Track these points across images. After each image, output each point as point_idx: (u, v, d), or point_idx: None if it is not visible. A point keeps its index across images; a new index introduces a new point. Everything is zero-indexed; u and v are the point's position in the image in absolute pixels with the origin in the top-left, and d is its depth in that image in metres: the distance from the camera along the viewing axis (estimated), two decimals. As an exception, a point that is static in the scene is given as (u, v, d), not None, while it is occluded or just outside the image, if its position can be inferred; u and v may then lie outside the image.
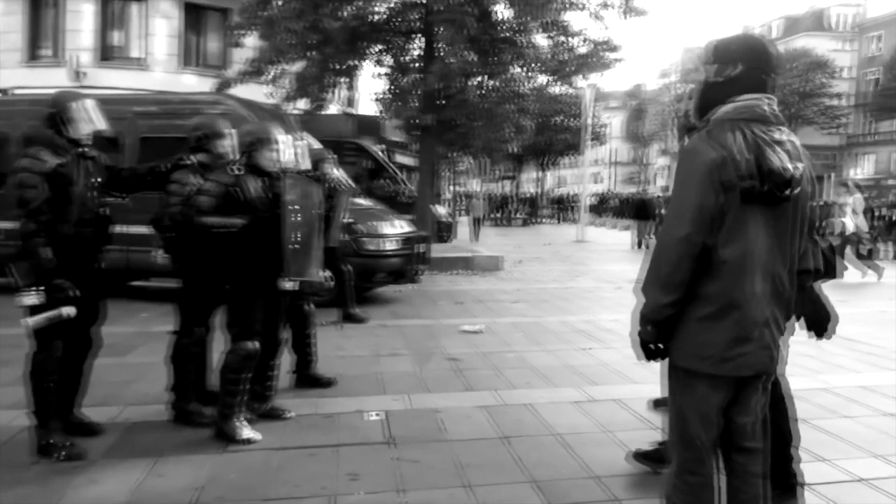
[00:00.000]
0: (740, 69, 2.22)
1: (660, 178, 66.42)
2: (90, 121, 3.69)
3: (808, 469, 3.51)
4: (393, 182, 15.95)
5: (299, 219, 3.85)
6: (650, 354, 2.30)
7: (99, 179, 3.76)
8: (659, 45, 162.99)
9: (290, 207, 3.80)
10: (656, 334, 2.23)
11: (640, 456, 3.53)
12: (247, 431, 3.84)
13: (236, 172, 3.87)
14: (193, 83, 18.16)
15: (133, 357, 5.82)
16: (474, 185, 64.05)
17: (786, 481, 2.98)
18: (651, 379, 4.68)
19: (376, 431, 4.06)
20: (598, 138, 40.52)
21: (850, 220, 12.57)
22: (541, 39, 13.17)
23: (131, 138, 8.59)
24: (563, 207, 41.29)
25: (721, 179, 2.08)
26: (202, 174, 4.13)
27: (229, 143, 4.32)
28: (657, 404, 4.57)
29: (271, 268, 3.86)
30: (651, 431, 4.01)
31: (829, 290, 2.74)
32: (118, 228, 8.29)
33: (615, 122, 60.19)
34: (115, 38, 19.17)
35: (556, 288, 11.06)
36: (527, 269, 13.72)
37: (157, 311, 7.83)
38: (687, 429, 2.26)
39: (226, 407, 3.85)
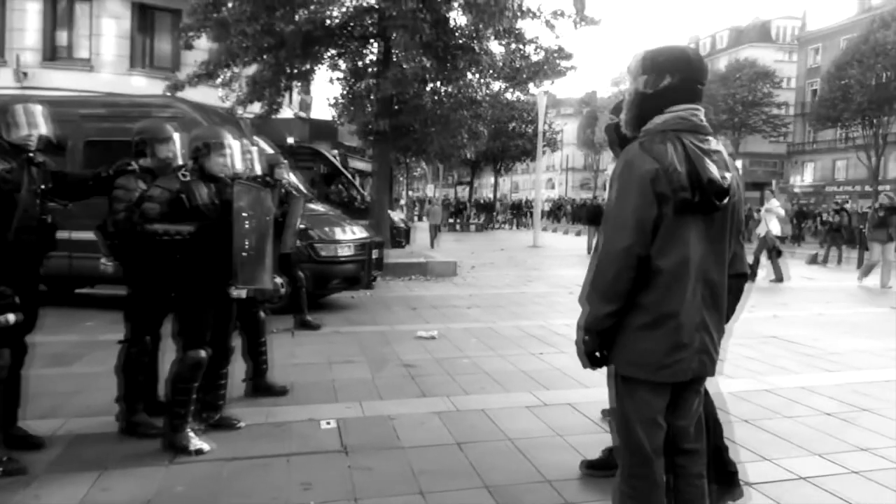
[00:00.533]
0: (672, 80, 2.24)
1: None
2: (36, 126, 3.58)
3: (752, 469, 3.65)
4: (348, 187, 15.87)
5: (250, 226, 3.81)
6: (593, 362, 2.32)
7: (43, 186, 3.65)
8: (611, 53, 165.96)
9: (241, 214, 3.75)
10: (597, 343, 2.26)
11: (589, 466, 3.60)
12: (196, 442, 3.77)
13: (185, 178, 3.80)
14: (143, 85, 17.75)
15: (78, 367, 5.65)
16: (429, 191, 64.24)
17: (725, 473, 3.05)
18: (603, 383, 4.76)
19: (329, 440, 4.03)
20: (552, 144, 41.10)
21: (766, 225, 13.26)
22: (495, 46, 13.29)
23: (77, 142, 8.36)
24: (521, 213, 41.53)
25: (657, 191, 2.11)
26: (147, 179, 4.06)
27: (173, 148, 4.24)
28: (606, 414, 4.67)
29: (221, 275, 3.81)
30: (603, 435, 4.07)
31: (771, 294, 2.83)
32: (62, 234, 8.10)
33: (569, 129, 61.02)
34: (62, 37, 18.61)
35: (511, 293, 11.14)
36: (481, 275, 13.79)
37: (103, 320, 7.61)
38: (631, 434, 2.29)
39: (175, 417, 3.77)
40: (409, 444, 3.97)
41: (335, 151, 17.50)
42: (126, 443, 3.91)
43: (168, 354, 4.18)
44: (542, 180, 26.84)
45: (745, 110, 46.72)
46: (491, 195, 48.59)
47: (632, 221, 2.12)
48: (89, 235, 7.71)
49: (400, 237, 16.81)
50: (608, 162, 71.14)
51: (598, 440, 4.04)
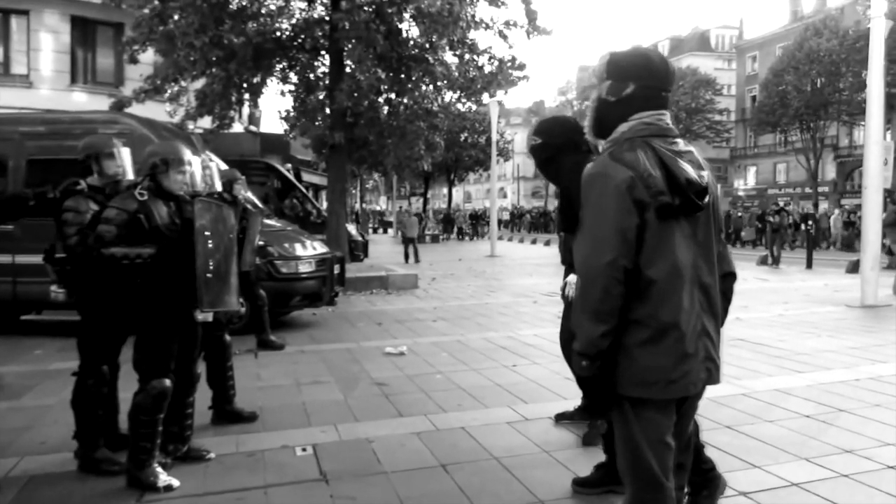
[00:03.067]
0: (636, 86, 2.15)
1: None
2: None
3: (744, 477, 3.59)
4: (303, 201, 15.58)
5: (213, 245, 3.59)
6: (593, 390, 2.19)
7: None
8: (556, 63, 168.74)
9: (203, 233, 3.53)
10: (594, 368, 2.11)
11: (581, 484, 3.49)
12: (164, 478, 3.51)
13: (142, 197, 3.56)
14: (84, 101, 17.11)
15: (28, 399, 5.29)
16: (382, 203, 63.87)
17: (701, 471, 3.00)
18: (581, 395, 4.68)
19: (307, 468, 3.82)
20: (504, 154, 41.34)
21: None
22: (449, 57, 13.23)
23: (17, 160, 7.93)
24: (479, 223, 41.19)
25: (635, 199, 2.02)
26: (97, 199, 3.80)
27: (122, 164, 4.00)
28: (559, 418, 4.58)
29: (183, 298, 3.58)
30: (592, 449, 3.97)
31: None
32: (4, 259, 7.63)
33: (518, 139, 61.62)
34: (-4, 53, 17.87)
35: (475, 304, 11.04)
36: (442, 287, 13.66)
37: (52, 347, 7.22)
38: (640, 460, 2.15)
39: (139, 452, 3.51)
40: (392, 468, 3.79)
41: (288, 165, 17.18)
42: (87, 482, 3.63)
43: (126, 383, 3.94)
44: (496, 189, 26.86)
45: (689, 117, 48.10)
46: (444, 206, 48.56)
47: (612, 233, 2.01)
48: (34, 259, 7.40)
49: (358, 251, 16.57)
50: (558, 170, 72.03)
51: (586, 455, 3.95)
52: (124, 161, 3.95)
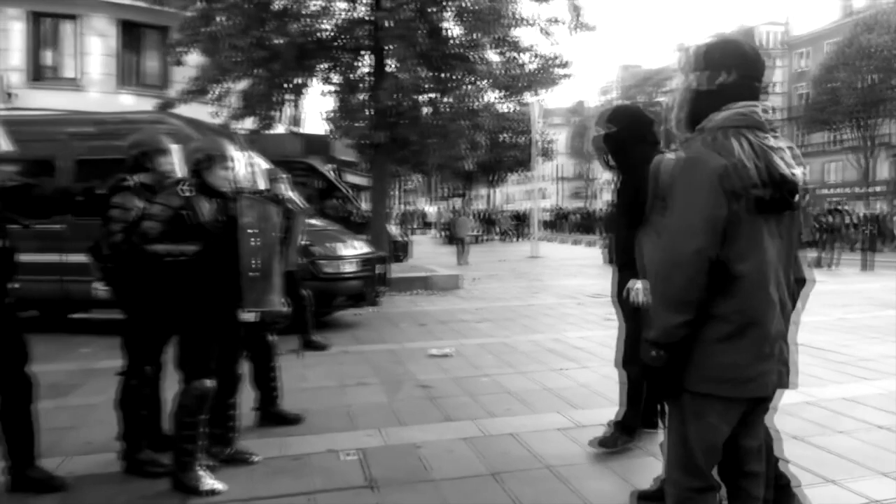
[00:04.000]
0: (731, 76, 2.09)
1: (605, 193, 67.65)
2: None
3: (818, 493, 3.35)
4: (345, 202, 15.55)
5: (258, 243, 3.49)
6: (659, 383, 2.09)
7: None
8: (597, 62, 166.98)
9: (248, 231, 3.44)
10: (666, 359, 2.02)
11: (643, 498, 3.29)
12: (209, 481, 3.42)
13: (186, 193, 3.47)
14: (131, 104, 17.41)
15: (74, 398, 5.29)
16: (421, 204, 64.00)
17: (780, 489, 2.84)
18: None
19: (353, 473, 3.69)
20: (546, 154, 40.92)
21: None
22: (492, 55, 13.05)
23: (65, 161, 8.00)
24: (522, 224, 40.51)
25: (727, 189, 1.95)
26: (145, 196, 3.74)
27: (173, 161, 3.93)
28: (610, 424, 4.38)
29: (227, 298, 3.49)
30: (647, 459, 3.77)
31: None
32: (53, 257, 7.70)
33: (559, 139, 61.09)
34: (47, 57, 18.29)
35: (519, 305, 10.84)
36: (485, 287, 13.48)
37: (99, 346, 7.26)
38: (692, 457, 2.09)
39: (183, 455, 3.42)
40: (441, 475, 3.64)
41: (330, 166, 17.20)
42: (131, 483, 3.56)
43: (169, 383, 3.87)
44: (538, 190, 26.58)
45: (736, 115, 46.86)
46: (483, 207, 48.31)
47: (701, 222, 1.95)
48: (83, 258, 7.47)
49: (399, 251, 16.49)
50: (599, 170, 71.28)
51: (643, 465, 3.75)
52: (178, 160, 3.89)
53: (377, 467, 3.76)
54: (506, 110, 19.58)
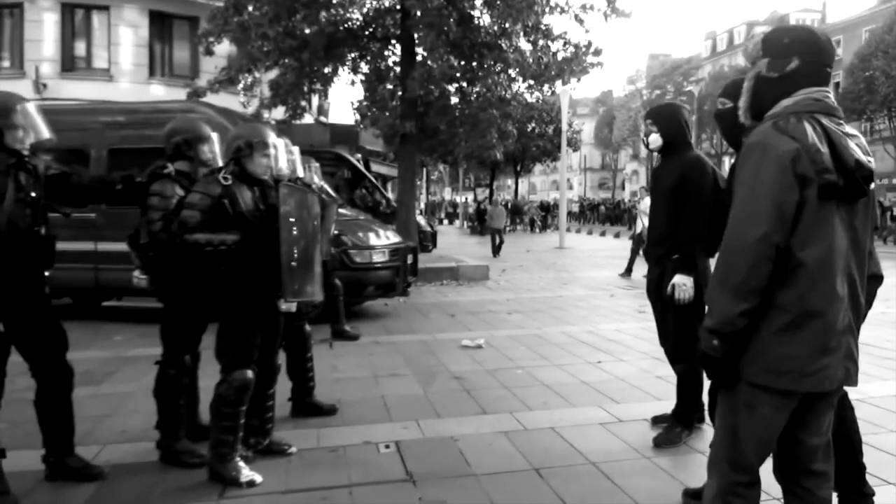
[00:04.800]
0: (798, 63, 2.03)
1: (628, 184, 67.05)
2: (32, 128, 3.17)
3: (879, 494, 3.19)
4: (372, 192, 15.51)
5: (298, 232, 3.43)
6: (717, 372, 2.04)
7: (33, 194, 3.17)
8: (625, 51, 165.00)
9: (288, 220, 3.37)
10: (725, 349, 1.97)
11: (692, 496, 3.18)
12: (247, 473, 3.38)
13: (226, 182, 3.41)
14: (162, 94, 17.54)
15: (108, 386, 5.30)
16: (447, 194, 63.83)
17: (858, 493, 2.83)
18: (672, 394, 4.36)
19: (391, 466, 3.63)
20: (572, 144, 40.49)
21: (645, 222, 13.17)
22: (523, 43, 12.87)
23: (98, 150, 8.04)
24: (550, 214, 40.03)
25: (798, 173, 1.89)
26: (183, 184, 3.69)
27: (214, 148, 3.88)
28: (656, 421, 4.26)
29: (267, 287, 3.44)
30: (695, 455, 3.66)
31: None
32: (87, 246, 7.73)
33: (585, 129, 60.48)
34: (79, 48, 18.45)
35: (548, 297, 10.71)
36: (513, 278, 13.37)
37: (132, 333, 7.31)
38: (741, 450, 2.05)
39: (222, 446, 3.38)
40: (482, 470, 3.55)
41: (358, 156, 17.16)
42: (169, 474, 3.53)
43: (205, 372, 3.84)
44: (565, 181, 26.30)
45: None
46: (508, 197, 48.03)
47: (768, 207, 1.89)
48: (115, 246, 7.47)
49: (426, 241, 16.43)
50: (625, 161, 70.60)
51: (691, 461, 3.64)
52: (217, 147, 3.83)
53: (415, 460, 3.69)
54: (532, 100, 19.34)
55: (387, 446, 3.92)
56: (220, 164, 3.79)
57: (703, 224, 3.60)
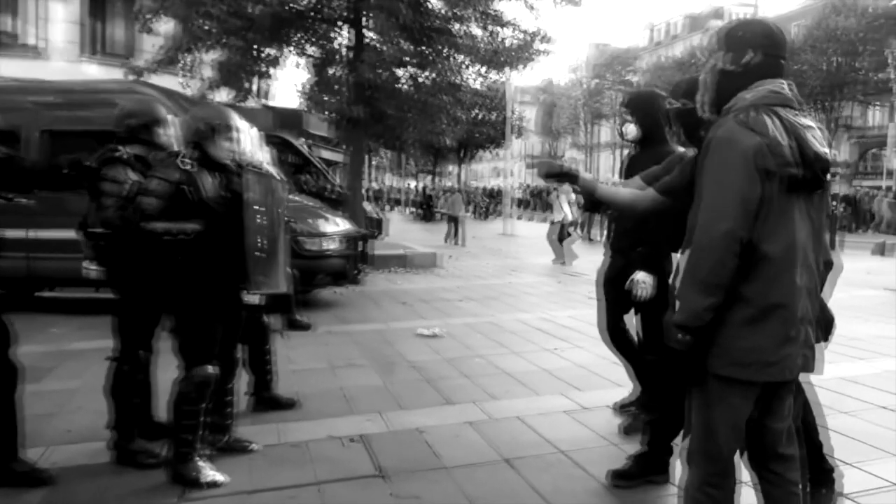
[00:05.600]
0: (755, 55, 2.08)
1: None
2: None
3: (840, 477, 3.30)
4: (318, 177, 15.21)
5: (263, 220, 3.28)
6: (683, 366, 2.06)
7: None
8: (568, 40, 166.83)
9: (253, 207, 3.22)
10: (691, 343, 2.00)
11: (620, 477, 3.25)
12: (209, 472, 3.23)
13: (187, 167, 3.23)
14: (96, 73, 16.72)
15: (50, 383, 5.00)
16: (388, 180, 63.38)
17: (825, 472, 2.91)
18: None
19: (359, 461, 3.53)
20: (518, 132, 40.73)
21: (567, 209, 14.09)
22: (475, 29, 12.79)
23: (29, 131, 7.58)
24: (495, 202, 40.14)
25: (762, 167, 1.93)
26: (138, 169, 3.48)
27: (171, 132, 3.68)
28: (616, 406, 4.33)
29: (231, 279, 3.28)
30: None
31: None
32: (18, 233, 7.30)
33: (527, 117, 60.89)
34: (5, 22, 17.41)
35: (498, 284, 10.74)
36: (462, 265, 13.36)
37: (70, 325, 6.96)
38: (714, 441, 2.08)
39: (182, 445, 3.22)
40: (452, 462, 3.50)
41: (303, 140, 16.79)
42: (125, 475, 3.35)
43: (159, 367, 3.66)
44: (510, 168, 26.45)
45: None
46: (451, 184, 48.01)
47: (734, 202, 1.93)
48: (50, 234, 7.09)
49: (374, 227, 16.25)
50: (565, 149, 71.44)
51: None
52: (174, 130, 3.63)
53: (383, 454, 3.61)
54: (477, 86, 19.30)
55: (352, 440, 3.82)
56: (177, 148, 3.60)
57: (673, 219, 3.60)
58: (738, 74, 2.09)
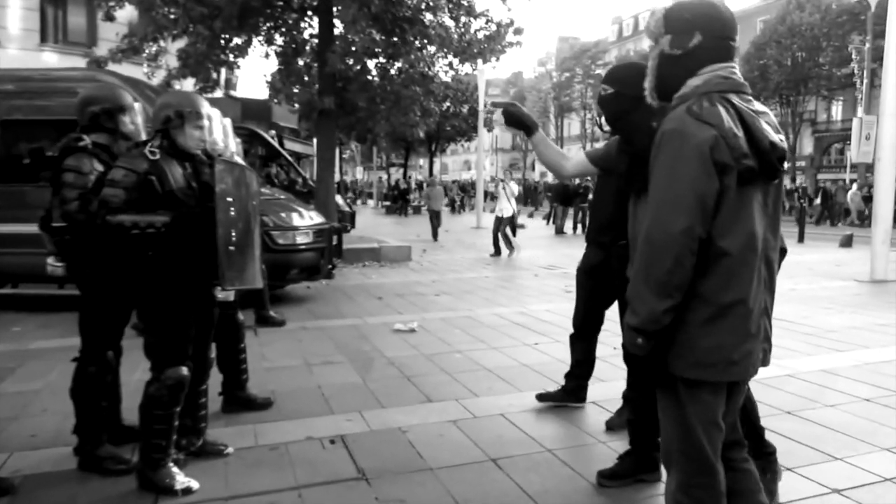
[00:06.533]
0: (701, 38, 1.94)
1: (538, 165, 68.23)
2: None
3: (828, 469, 3.30)
4: (287, 170, 14.94)
5: (236, 213, 3.12)
6: (644, 369, 1.97)
7: None
8: (536, 33, 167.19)
9: (225, 199, 3.05)
10: (650, 346, 1.90)
11: (608, 477, 3.18)
12: (182, 479, 3.07)
13: (153, 156, 3.05)
14: (55, 62, 16.18)
15: (11, 384, 4.77)
16: (358, 174, 62.88)
17: (766, 456, 2.92)
18: (619, 375, 4.37)
19: (340, 463, 3.40)
20: (488, 125, 40.61)
21: (509, 204, 14.34)
22: (446, 20, 12.63)
23: (-16, 121, 7.26)
24: (468, 195, 39.97)
25: (717, 161, 1.82)
26: (102, 159, 3.29)
27: (137, 119, 3.49)
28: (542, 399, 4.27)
29: (202, 274, 3.12)
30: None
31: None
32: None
33: (497, 109, 60.84)
34: (-42, 9, 16.78)
35: (473, 277, 10.64)
36: (435, 259, 13.23)
37: (31, 323, 6.69)
38: (692, 440, 1.99)
39: (154, 451, 3.05)
40: (437, 464, 3.38)
41: (272, 132, 16.48)
42: (90, 482, 3.17)
43: (127, 368, 3.47)
44: (482, 161, 26.35)
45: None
46: (421, 177, 47.83)
47: (690, 199, 1.81)
48: (7, 228, 6.78)
49: (345, 221, 16.02)
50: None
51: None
52: (140, 118, 3.44)
53: (365, 456, 3.48)
54: (448, 79, 19.13)
55: (332, 441, 3.68)
56: (144, 137, 3.41)
57: None
58: (684, 58, 1.96)
